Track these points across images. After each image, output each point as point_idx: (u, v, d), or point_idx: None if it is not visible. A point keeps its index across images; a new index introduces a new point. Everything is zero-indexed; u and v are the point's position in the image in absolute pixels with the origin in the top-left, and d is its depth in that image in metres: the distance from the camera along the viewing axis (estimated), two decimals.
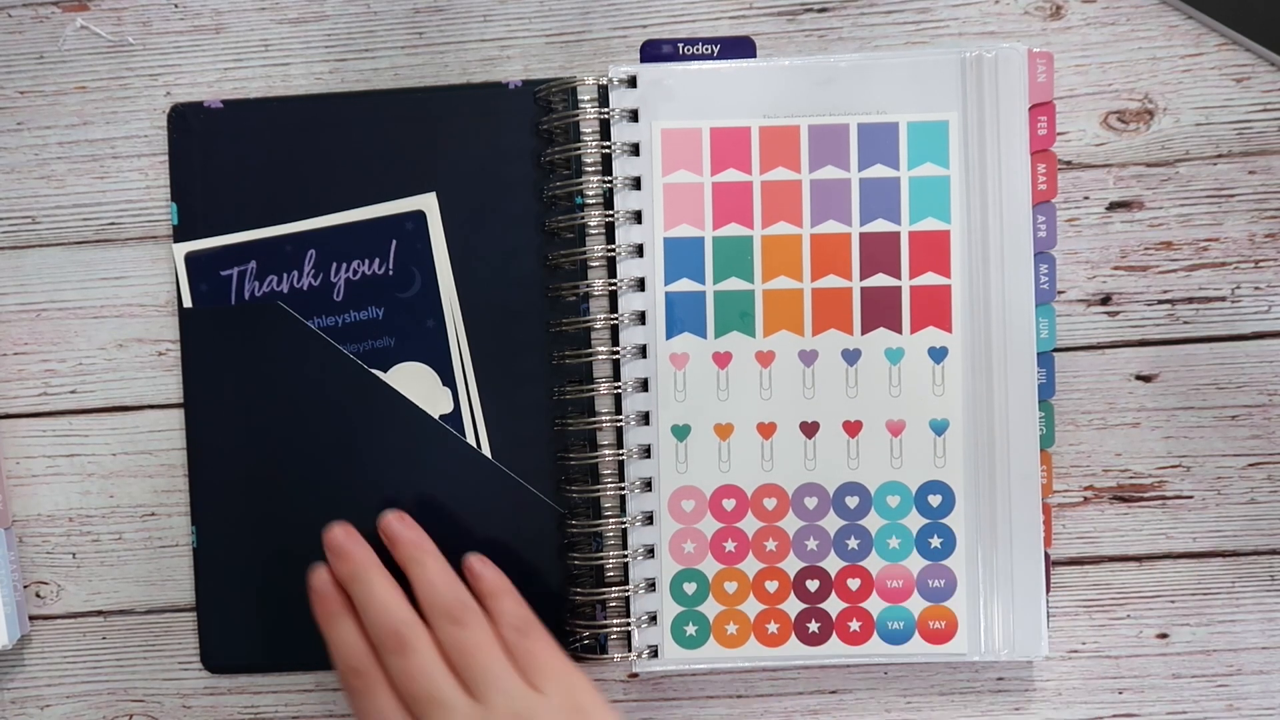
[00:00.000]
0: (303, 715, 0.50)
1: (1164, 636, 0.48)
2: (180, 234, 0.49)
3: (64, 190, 0.50)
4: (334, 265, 0.49)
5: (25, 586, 0.50)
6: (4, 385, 0.50)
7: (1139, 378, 0.48)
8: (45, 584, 0.50)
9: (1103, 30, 0.48)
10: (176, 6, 0.50)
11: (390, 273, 0.48)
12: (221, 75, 0.50)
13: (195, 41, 0.50)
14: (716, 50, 0.46)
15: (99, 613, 0.50)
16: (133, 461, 0.50)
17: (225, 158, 0.49)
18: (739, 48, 0.46)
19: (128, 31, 0.50)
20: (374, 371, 0.48)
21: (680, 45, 0.46)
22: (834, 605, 0.47)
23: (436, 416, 0.48)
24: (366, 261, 0.48)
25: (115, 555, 0.50)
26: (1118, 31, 0.48)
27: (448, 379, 0.48)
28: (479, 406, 0.48)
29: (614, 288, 0.46)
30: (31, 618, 0.50)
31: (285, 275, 0.49)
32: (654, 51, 0.46)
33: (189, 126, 0.49)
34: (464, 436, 0.48)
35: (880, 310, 0.46)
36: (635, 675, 0.49)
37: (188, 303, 0.49)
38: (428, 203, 0.48)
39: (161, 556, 0.50)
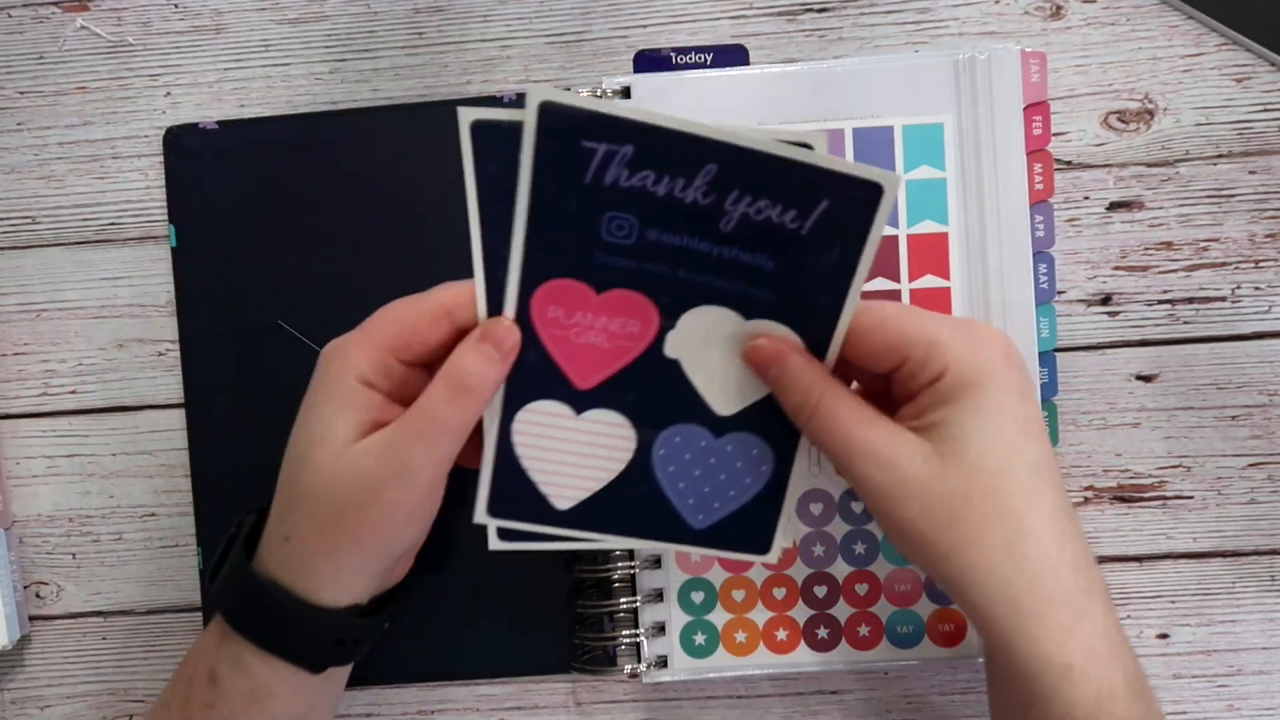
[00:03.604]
0: None
1: (1164, 636, 0.48)
2: (180, 254, 0.49)
3: (64, 190, 0.50)
4: None
5: (25, 587, 0.50)
6: (4, 385, 0.50)
7: (1139, 378, 0.48)
8: (45, 584, 0.50)
9: (1103, 30, 0.48)
10: (176, 7, 0.50)
11: None
12: (221, 75, 0.50)
13: (195, 41, 0.50)
14: (710, 59, 0.46)
15: (99, 613, 0.50)
16: (133, 461, 0.50)
17: (222, 177, 0.49)
18: (732, 56, 0.46)
19: (128, 32, 0.50)
20: None
21: (674, 54, 0.46)
22: (842, 610, 0.46)
23: None
24: None
25: (115, 555, 0.50)
26: (1118, 31, 0.48)
27: None
28: None
29: None
30: (31, 618, 0.50)
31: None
32: (647, 61, 0.46)
33: (184, 148, 0.49)
34: None
35: None
36: (636, 675, 0.49)
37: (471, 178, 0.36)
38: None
39: (161, 557, 0.50)
